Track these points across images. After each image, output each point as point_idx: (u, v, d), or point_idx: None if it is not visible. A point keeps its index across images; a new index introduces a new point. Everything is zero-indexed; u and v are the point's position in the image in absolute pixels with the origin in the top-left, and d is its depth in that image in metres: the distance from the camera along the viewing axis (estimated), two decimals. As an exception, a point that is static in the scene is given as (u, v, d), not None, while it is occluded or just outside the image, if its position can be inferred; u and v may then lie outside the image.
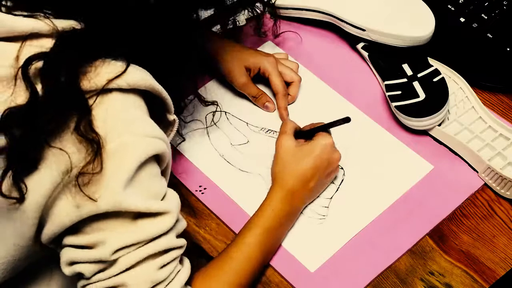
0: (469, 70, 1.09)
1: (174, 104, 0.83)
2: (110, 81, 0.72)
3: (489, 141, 1.01)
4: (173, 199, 0.79)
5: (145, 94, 0.77)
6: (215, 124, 1.08)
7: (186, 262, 0.82)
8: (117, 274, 0.74)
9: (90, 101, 0.72)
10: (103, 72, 0.73)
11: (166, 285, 0.77)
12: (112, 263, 0.74)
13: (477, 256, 0.95)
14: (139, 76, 0.75)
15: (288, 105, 1.09)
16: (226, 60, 1.07)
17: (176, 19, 0.80)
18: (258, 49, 1.14)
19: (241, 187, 1.01)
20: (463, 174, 1.02)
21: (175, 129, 0.85)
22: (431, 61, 1.08)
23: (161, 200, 0.77)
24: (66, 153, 0.70)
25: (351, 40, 1.14)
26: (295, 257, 0.94)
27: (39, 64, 0.71)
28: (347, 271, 0.93)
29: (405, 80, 1.05)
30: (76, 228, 0.74)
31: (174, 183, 1.02)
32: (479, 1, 1.16)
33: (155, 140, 0.75)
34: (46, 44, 0.73)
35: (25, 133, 0.71)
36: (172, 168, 1.02)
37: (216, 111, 1.08)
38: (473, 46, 1.12)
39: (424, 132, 1.05)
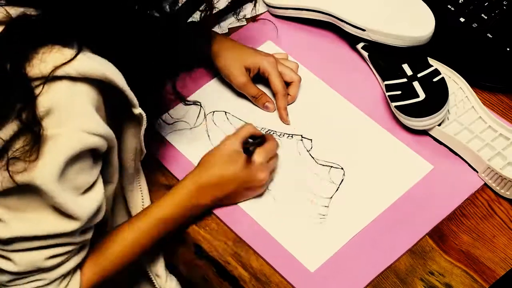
0: (469, 70, 1.09)
1: (150, 100, 0.84)
2: (56, 67, 0.71)
3: (489, 141, 1.01)
4: (93, 201, 0.79)
5: (103, 86, 0.76)
6: (215, 123, 1.08)
7: (84, 249, 0.84)
8: (8, 251, 0.77)
9: (37, 90, 0.71)
10: (49, 58, 0.71)
11: (52, 270, 0.80)
12: (7, 242, 0.76)
13: (477, 256, 0.95)
14: (90, 64, 0.73)
15: (288, 105, 1.09)
16: (226, 60, 1.07)
17: (138, 10, 0.80)
18: (258, 49, 1.14)
19: (241, 187, 1.01)
20: (463, 174, 1.02)
21: (144, 123, 0.84)
22: (431, 61, 1.08)
23: (81, 194, 0.77)
24: (2, 140, 0.71)
25: (351, 40, 1.14)
26: (295, 257, 0.94)
27: None
28: (347, 271, 0.93)
29: (405, 80, 1.05)
30: None
31: (174, 183, 1.02)
32: (479, 1, 1.16)
33: (92, 136, 0.74)
34: None
35: None
36: (172, 168, 1.03)
37: (216, 111, 1.08)
38: (473, 46, 1.12)
39: (424, 132, 1.05)
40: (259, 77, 1.09)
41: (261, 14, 1.21)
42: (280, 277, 0.94)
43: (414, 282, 0.93)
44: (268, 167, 0.97)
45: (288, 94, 1.09)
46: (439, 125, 1.03)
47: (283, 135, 1.06)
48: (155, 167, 1.04)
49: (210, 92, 1.11)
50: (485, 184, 1.01)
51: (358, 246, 0.95)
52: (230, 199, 0.97)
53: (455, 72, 1.08)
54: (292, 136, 1.06)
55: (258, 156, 0.95)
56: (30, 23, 0.73)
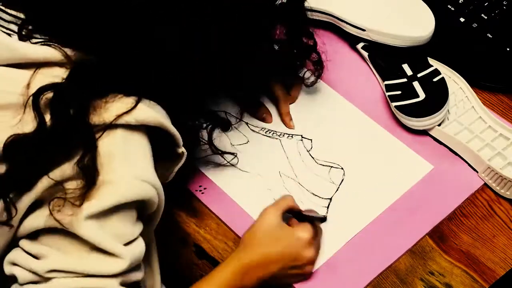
0: (469, 70, 1.09)
1: (190, 137, 0.84)
2: (118, 116, 0.72)
3: (489, 141, 1.01)
4: (136, 249, 0.76)
5: (153, 129, 0.76)
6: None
7: None
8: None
9: (97, 136, 0.71)
10: (113, 107, 0.72)
11: None
12: (45, 279, 0.73)
13: (477, 256, 0.95)
14: (148, 113, 0.74)
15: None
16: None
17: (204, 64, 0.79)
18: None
19: (241, 187, 1.01)
20: (463, 174, 1.02)
21: (182, 161, 0.83)
22: (431, 61, 1.08)
23: (125, 244, 0.75)
24: (62, 186, 0.71)
25: (351, 40, 1.14)
26: (295, 257, 0.94)
27: (50, 94, 0.71)
28: (347, 271, 0.93)
29: (405, 80, 1.05)
30: (36, 235, 0.74)
31: (174, 183, 1.02)
32: (479, 1, 1.16)
33: (145, 184, 0.74)
34: (58, 73, 0.73)
35: (28, 163, 0.70)
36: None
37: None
38: (473, 46, 1.12)
39: (424, 132, 1.05)
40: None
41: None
42: (280, 277, 0.94)
43: (414, 282, 0.93)
44: (316, 245, 0.92)
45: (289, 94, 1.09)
46: (439, 125, 1.03)
47: (283, 135, 1.06)
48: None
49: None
50: (485, 184, 1.01)
51: (358, 246, 0.95)
52: (277, 279, 0.90)
53: (455, 72, 1.08)
54: (292, 136, 1.06)
55: (304, 232, 0.90)
56: (94, 69, 0.73)
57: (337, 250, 0.95)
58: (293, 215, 0.94)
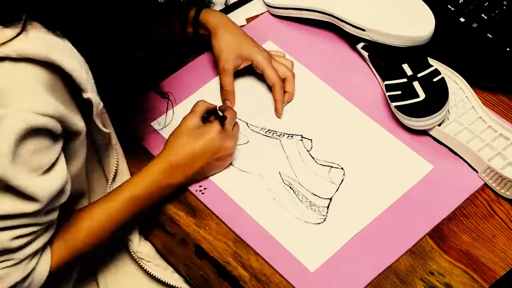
0: (469, 70, 1.09)
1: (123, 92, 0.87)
2: None
3: (489, 141, 1.01)
4: (54, 180, 0.79)
5: (56, 68, 0.76)
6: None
7: (52, 227, 0.84)
8: None
9: None
10: None
11: (19, 251, 0.80)
12: None
13: (477, 256, 0.95)
14: (31, 46, 0.73)
15: (287, 103, 1.09)
16: (222, 42, 1.08)
17: None
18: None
19: (241, 187, 1.01)
20: (463, 174, 1.02)
21: (95, 109, 0.84)
22: (431, 61, 1.08)
23: (42, 174, 0.77)
24: None
25: (351, 40, 1.14)
26: (295, 257, 0.94)
27: None
28: (347, 271, 0.93)
29: (405, 80, 1.05)
30: None
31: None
32: (479, 1, 1.16)
33: (37, 116, 0.74)
34: None
35: None
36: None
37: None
38: (473, 46, 1.12)
39: (424, 132, 1.05)
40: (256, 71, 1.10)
41: (261, 14, 1.21)
42: (280, 277, 0.94)
43: (414, 282, 0.93)
44: (234, 135, 1.00)
45: (286, 91, 1.09)
46: (439, 125, 1.03)
47: (283, 135, 1.06)
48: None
49: (210, 92, 1.11)
50: (485, 184, 1.01)
51: (358, 246, 0.95)
52: (202, 173, 0.99)
53: (455, 72, 1.08)
54: (292, 136, 1.06)
55: (218, 125, 0.97)
56: None
57: (337, 250, 0.95)
58: (211, 113, 1.02)
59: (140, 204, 0.93)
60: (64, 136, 0.81)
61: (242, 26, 1.18)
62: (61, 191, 0.81)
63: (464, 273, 0.93)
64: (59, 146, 0.80)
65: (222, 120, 0.98)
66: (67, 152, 0.83)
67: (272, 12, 1.20)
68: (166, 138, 0.99)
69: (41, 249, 0.84)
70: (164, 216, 1.00)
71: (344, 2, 1.12)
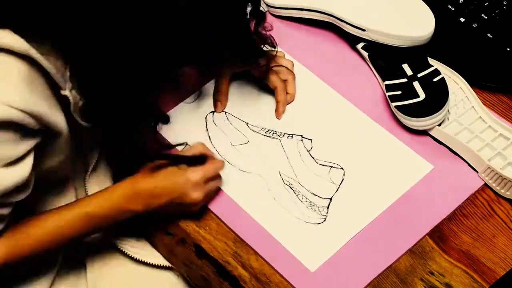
0: (469, 70, 1.09)
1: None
2: None
3: (489, 141, 1.01)
4: (15, 174, 0.79)
5: (34, 64, 0.77)
6: (215, 123, 1.08)
7: (2, 223, 0.84)
8: None
9: None
10: None
11: None
12: None
13: (477, 256, 0.95)
14: (11, 38, 0.74)
15: (288, 103, 1.09)
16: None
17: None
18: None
19: (241, 187, 1.01)
20: (463, 174, 1.02)
21: (72, 106, 0.84)
22: (431, 61, 1.08)
23: (4, 166, 0.77)
24: None
25: (351, 40, 1.14)
26: (295, 257, 0.94)
27: None
28: (347, 271, 0.93)
29: (405, 80, 1.05)
30: None
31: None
32: (479, 1, 1.16)
33: (7, 108, 0.75)
34: None
35: None
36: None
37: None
38: (473, 46, 1.12)
39: (424, 132, 1.05)
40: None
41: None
42: (280, 277, 0.94)
43: (414, 282, 0.93)
44: (204, 188, 0.94)
45: (287, 93, 1.09)
46: (439, 125, 1.03)
47: (283, 135, 1.06)
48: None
49: (210, 92, 1.11)
50: (485, 184, 1.01)
51: (358, 246, 0.95)
52: (163, 210, 0.95)
53: (455, 72, 1.08)
54: (292, 136, 1.06)
55: (195, 174, 0.93)
56: None
57: (337, 250, 0.95)
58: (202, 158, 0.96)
59: (95, 222, 0.92)
60: (42, 133, 0.81)
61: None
62: (17, 189, 0.81)
63: (464, 273, 0.93)
64: (29, 142, 0.80)
65: (189, 163, 0.94)
66: (49, 148, 0.84)
67: (272, 12, 1.20)
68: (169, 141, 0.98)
69: None
70: (164, 216, 1.00)
71: (344, 2, 1.12)
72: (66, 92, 0.82)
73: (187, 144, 1.04)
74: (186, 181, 0.93)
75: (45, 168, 0.88)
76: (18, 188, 0.81)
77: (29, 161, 0.81)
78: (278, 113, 1.08)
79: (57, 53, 0.80)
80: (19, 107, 0.75)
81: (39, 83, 0.79)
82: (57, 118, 0.82)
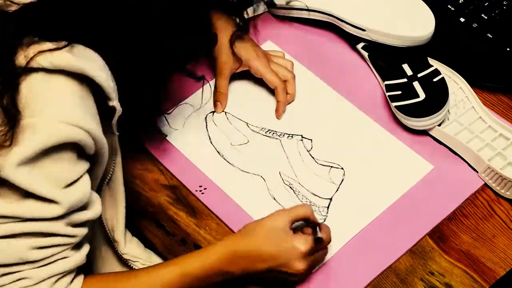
0: (469, 70, 1.09)
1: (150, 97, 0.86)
2: (31, 59, 0.72)
3: (489, 141, 1.01)
4: (77, 192, 0.78)
5: (86, 80, 0.76)
6: (216, 123, 1.08)
7: (82, 251, 0.82)
8: None
9: (18, 78, 0.72)
10: (35, 50, 0.73)
11: (39, 267, 0.77)
12: None
13: (477, 256, 0.95)
14: (66, 58, 0.74)
15: (288, 103, 1.09)
16: (221, 42, 1.07)
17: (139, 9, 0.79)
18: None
19: (241, 187, 1.01)
20: (463, 174, 1.02)
21: (116, 116, 0.83)
22: (431, 61, 1.08)
23: (65, 187, 0.76)
24: None
25: (351, 40, 1.14)
26: (295, 257, 0.94)
27: None
28: (347, 271, 0.93)
29: (405, 80, 1.05)
30: None
31: (175, 183, 1.02)
32: (479, 1, 1.16)
33: (71, 127, 0.74)
34: None
35: None
36: (172, 168, 1.03)
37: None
38: (473, 46, 1.12)
39: (424, 132, 1.05)
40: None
41: (261, 14, 1.21)
42: (280, 277, 0.94)
43: (414, 282, 0.93)
44: (310, 260, 0.89)
45: (287, 93, 1.09)
46: (439, 125, 1.03)
47: (283, 135, 1.06)
48: (155, 167, 1.04)
49: (210, 92, 1.11)
50: (485, 184, 1.01)
51: (358, 246, 0.95)
52: (260, 275, 0.89)
53: (455, 72, 1.08)
54: (292, 136, 1.06)
55: (302, 243, 0.87)
56: (31, 11, 0.74)
57: (337, 250, 0.95)
58: (307, 224, 0.91)
59: (190, 282, 0.87)
60: (92, 157, 0.80)
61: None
62: (85, 206, 0.79)
63: (464, 273, 0.93)
64: (85, 164, 0.79)
65: (317, 241, 0.87)
66: (95, 166, 0.83)
67: (272, 12, 1.20)
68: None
69: (68, 276, 0.81)
70: (164, 216, 1.00)
71: (344, 2, 1.12)
72: (113, 103, 0.81)
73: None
74: (293, 249, 0.87)
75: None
76: (84, 205, 0.79)
77: (85, 181, 0.79)
78: (278, 113, 1.08)
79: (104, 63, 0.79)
80: (77, 123, 0.74)
81: (89, 101, 0.78)
82: (103, 136, 0.80)
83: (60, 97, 0.74)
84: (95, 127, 0.77)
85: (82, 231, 0.81)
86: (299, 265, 0.87)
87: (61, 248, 0.79)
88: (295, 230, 0.89)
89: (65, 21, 0.76)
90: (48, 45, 0.74)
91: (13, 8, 0.75)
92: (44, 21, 0.75)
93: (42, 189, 0.74)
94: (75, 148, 0.77)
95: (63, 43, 0.74)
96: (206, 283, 0.88)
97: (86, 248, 0.83)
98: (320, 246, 0.89)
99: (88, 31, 0.77)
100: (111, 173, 0.92)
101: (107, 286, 0.85)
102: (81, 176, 0.79)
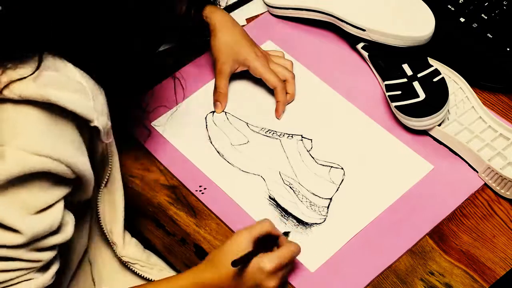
0: (469, 70, 1.09)
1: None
2: (1, 90, 0.71)
3: (489, 141, 1.01)
4: (44, 220, 0.77)
5: (56, 107, 0.74)
6: (215, 123, 1.08)
7: (49, 272, 0.81)
8: None
9: None
10: (5, 77, 0.71)
11: None
12: None
13: (477, 256, 0.95)
14: (30, 88, 0.72)
15: (288, 103, 1.09)
16: (221, 43, 1.07)
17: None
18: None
19: (241, 187, 1.01)
20: (463, 174, 1.02)
21: (102, 133, 0.80)
22: (431, 61, 1.08)
23: (33, 214, 0.75)
24: None
25: (351, 40, 1.14)
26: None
27: None
28: (347, 271, 0.93)
29: (405, 80, 1.05)
30: None
31: (175, 183, 1.02)
32: (479, 1, 1.16)
33: (38, 158, 0.73)
34: None
35: None
36: (172, 168, 1.03)
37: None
38: (473, 46, 1.12)
39: (424, 132, 1.05)
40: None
41: (261, 14, 1.21)
42: (280, 277, 0.94)
43: (414, 282, 0.93)
44: (280, 274, 0.88)
45: (287, 93, 1.09)
46: (439, 125, 1.03)
47: (283, 135, 1.06)
48: (155, 167, 1.04)
49: (210, 92, 1.11)
50: (485, 184, 1.01)
51: (358, 246, 0.95)
52: None
53: (455, 72, 1.08)
54: (292, 136, 1.06)
55: (270, 262, 0.86)
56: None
57: (337, 250, 0.95)
58: (267, 240, 0.90)
59: None
60: (72, 182, 0.79)
61: (242, 26, 1.18)
62: (54, 231, 0.78)
63: (464, 273, 0.93)
64: (61, 190, 0.78)
65: (242, 261, 0.85)
66: (77, 191, 0.82)
67: (272, 12, 1.20)
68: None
69: None
70: (164, 216, 1.00)
71: (344, 2, 1.12)
72: (95, 123, 0.78)
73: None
74: (260, 270, 0.86)
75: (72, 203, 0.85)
76: (51, 232, 0.78)
77: (59, 208, 0.78)
78: (278, 113, 1.08)
79: (85, 79, 0.77)
80: (50, 155, 0.73)
81: (62, 126, 0.76)
82: (82, 159, 0.79)
83: (26, 127, 0.73)
84: (68, 153, 0.76)
85: (49, 255, 0.80)
86: (270, 283, 0.87)
87: (23, 272, 0.78)
88: (259, 246, 0.88)
89: (37, 31, 0.74)
90: (19, 72, 0.72)
91: None
92: (14, 33, 0.73)
93: (5, 216, 0.73)
94: (48, 176, 0.76)
95: (31, 69, 0.72)
96: None
97: (54, 268, 0.82)
98: (285, 261, 0.88)
99: (61, 39, 0.75)
100: (108, 175, 0.91)
101: None
102: (56, 202, 0.78)
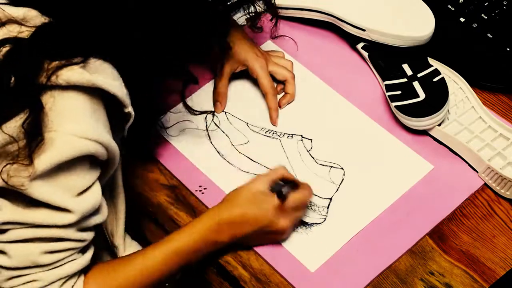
0: (469, 70, 1.09)
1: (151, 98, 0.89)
2: (49, 78, 0.74)
3: (489, 141, 1.01)
4: (90, 199, 0.80)
5: (97, 91, 0.77)
6: (216, 123, 1.08)
7: (87, 253, 0.84)
8: (3, 242, 0.77)
9: (39, 97, 0.74)
10: (51, 69, 0.74)
11: (49, 270, 0.80)
12: (2, 231, 0.77)
13: (477, 256, 0.95)
14: (78, 74, 0.75)
15: (288, 103, 1.09)
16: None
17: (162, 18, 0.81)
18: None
19: (241, 187, 1.01)
20: (463, 174, 1.02)
21: (130, 120, 0.85)
22: (431, 61, 1.08)
23: (77, 195, 0.78)
24: (10, 137, 0.73)
25: (351, 40, 1.14)
26: (295, 257, 0.94)
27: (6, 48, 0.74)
28: (347, 271, 0.93)
29: (405, 80, 1.05)
30: None
31: (174, 183, 1.02)
32: (479, 1, 1.16)
33: (85, 141, 0.76)
34: (15, 29, 0.75)
35: None
36: (171, 168, 1.03)
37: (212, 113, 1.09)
38: (473, 46, 1.12)
39: (424, 132, 1.05)
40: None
41: (261, 14, 1.20)
42: (280, 277, 0.94)
43: (414, 282, 0.93)
44: (293, 216, 0.93)
45: (287, 93, 1.09)
46: (439, 125, 1.03)
47: (283, 135, 1.06)
48: (155, 167, 1.04)
49: (210, 92, 1.11)
50: (485, 184, 1.01)
51: (358, 246, 0.95)
52: (249, 240, 0.93)
53: (455, 72, 1.08)
54: (292, 136, 1.06)
55: (286, 202, 0.91)
56: (51, 31, 0.76)
57: (337, 250, 0.95)
58: (286, 184, 0.94)
59: (182, 257, 0.89)
60: (105, 163, 0.82)
61: (242, 26, 1.18)
62: (96, 211, 0.82)
63: (464, 273, 0.93)
64: (97, 172, 0.81)
65: (281, 196, 0.91)
66: (107, 173, 0.85)
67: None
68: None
69: (74, 277, 0.83)
70: (164, 216, 1.00)
71: (344, 2, 1.12)
72: (129, 109, 0.82)
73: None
74: (275, 208, 0.91)
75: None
76: (95, 211, 0.81)
77: (96, 187, 0.81)
78: (273, 120, 1.07)
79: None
80: (91, 137, 0.76)
81: (101, 112, 0.79)
82: (114, 143, 0.82)
83: (74, 112, 0.76)
84: (107, 136, 0.79)
85: (91, 235, 0.84)
86: (284, 223, 0.92)
87: (70, 252, 0.81)
88: (274, 191, 0.92)
89: (80, 39, 0.77)
90: (64, 63, 0.75)
91: (25, 33, 0.76)
92: (60, 40, 0.76)
93: (57, 199, 0.76)
94: (88, 159, 0.79)
95: (78, 59, 0.76)
96: (201, 255, 0.91)
97: (91, 251, 0.85)
98: (298, 202, 0.93)
99: (101, 46, 0.79)
100: (111, 178, 0.92)
101: (106, 281, 0.86)
102: (93, 183, 0.81)
